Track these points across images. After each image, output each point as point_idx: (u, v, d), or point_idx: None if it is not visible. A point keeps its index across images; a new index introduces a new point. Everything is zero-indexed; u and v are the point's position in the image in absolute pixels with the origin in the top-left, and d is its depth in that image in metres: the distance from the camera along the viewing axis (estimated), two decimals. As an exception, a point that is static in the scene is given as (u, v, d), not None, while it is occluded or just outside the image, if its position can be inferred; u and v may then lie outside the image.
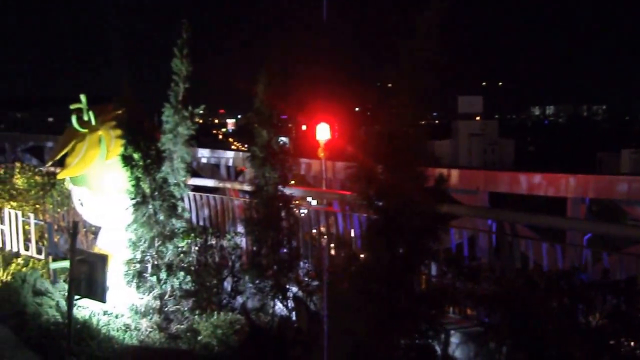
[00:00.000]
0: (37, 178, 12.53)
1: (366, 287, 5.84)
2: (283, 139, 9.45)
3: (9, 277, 11.28)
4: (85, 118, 9.53)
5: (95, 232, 10.88)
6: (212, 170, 18.72)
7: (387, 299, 5.79)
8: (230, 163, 18.02)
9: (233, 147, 52.41)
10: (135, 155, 8.75)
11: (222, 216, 11.56)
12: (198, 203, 11.81)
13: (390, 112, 6.01)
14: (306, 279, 9.22)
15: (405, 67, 5.81)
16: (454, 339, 7.64)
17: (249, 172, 17.39)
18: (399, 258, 5.81)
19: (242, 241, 10.19)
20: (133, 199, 8.83)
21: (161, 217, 8.82)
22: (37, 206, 12.36)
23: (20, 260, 11.84)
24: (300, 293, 9.07)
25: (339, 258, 8.60)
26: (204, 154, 18.79)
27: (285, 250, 9.18)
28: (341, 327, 6.40)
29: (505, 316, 6.51)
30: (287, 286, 9.12)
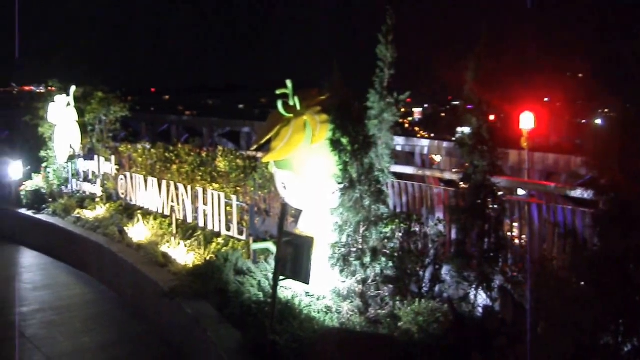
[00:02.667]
0: (239, 161, 13.01)
1: (594, 279, 5.74)
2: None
3: (211, 256, 11.79)
4: (291, 103, 9.78)
5: (294, 215, 11.18)
6: (406, 158, 18.79)
7: (617, 292, 5.67)
8: (426, 151, 18.04)
9: (418, 135, 52.32)
10: (344, 140, 8.98)
11: (420, 203, 11.61)
12: (396, 189, 11.92)
13: (625, 100, 5.90)
14: (512, 269, 9.14)
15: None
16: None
17: (444, 161, 17.43)
18: (634, 250, 5.68)
19: (442, 229, 10.20)
20: (340, 183, 9.08)
21: (367, 202, 9.00)
22: (238, 188, 12.85)
23: (220, 240, 12.36)
24: (505, 284, 9.00)
25: (551, 249, 8.49)
26: (399, 142, 18.84)
27: (490, 240, 9.11)
28: (553, 321, 6.31)
29: None
30: (492, 276, 9.06)
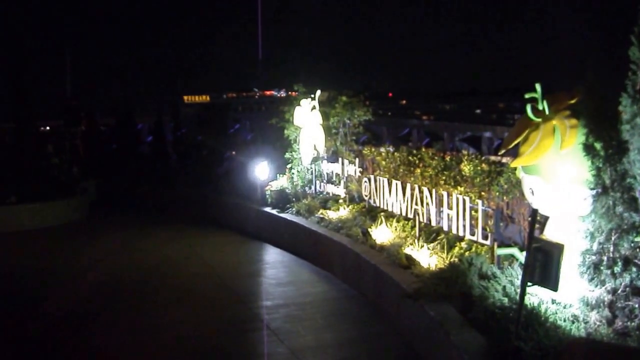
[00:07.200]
0: (484, 166, 13.18)
1: None
2: None
3: (454, 259, 12.06)
4: (540, 107, 9.82)
5: (539, 221, 11.17)
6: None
7: None
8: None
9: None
10: (597, 145, 8.96)
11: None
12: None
13: None
14: None
15: None
16: None
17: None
18: None
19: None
20: (593, 189, 9.06)
21: (619, 210, 8.90)
22: (483, 193, 13.01)
23: (463, 244, 12.61)
24: None
25: None
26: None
27: None
28: None
29: None
30: None
